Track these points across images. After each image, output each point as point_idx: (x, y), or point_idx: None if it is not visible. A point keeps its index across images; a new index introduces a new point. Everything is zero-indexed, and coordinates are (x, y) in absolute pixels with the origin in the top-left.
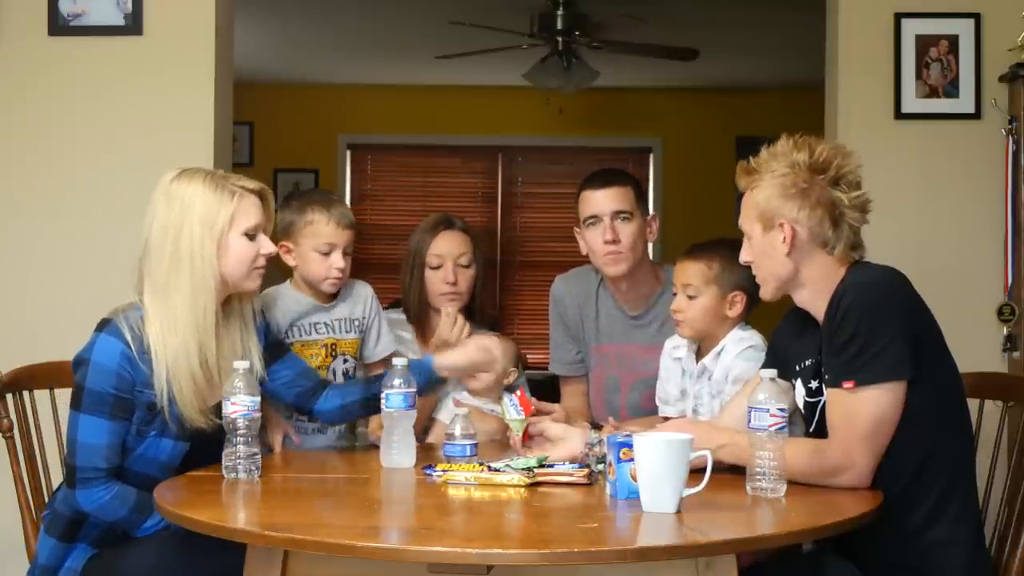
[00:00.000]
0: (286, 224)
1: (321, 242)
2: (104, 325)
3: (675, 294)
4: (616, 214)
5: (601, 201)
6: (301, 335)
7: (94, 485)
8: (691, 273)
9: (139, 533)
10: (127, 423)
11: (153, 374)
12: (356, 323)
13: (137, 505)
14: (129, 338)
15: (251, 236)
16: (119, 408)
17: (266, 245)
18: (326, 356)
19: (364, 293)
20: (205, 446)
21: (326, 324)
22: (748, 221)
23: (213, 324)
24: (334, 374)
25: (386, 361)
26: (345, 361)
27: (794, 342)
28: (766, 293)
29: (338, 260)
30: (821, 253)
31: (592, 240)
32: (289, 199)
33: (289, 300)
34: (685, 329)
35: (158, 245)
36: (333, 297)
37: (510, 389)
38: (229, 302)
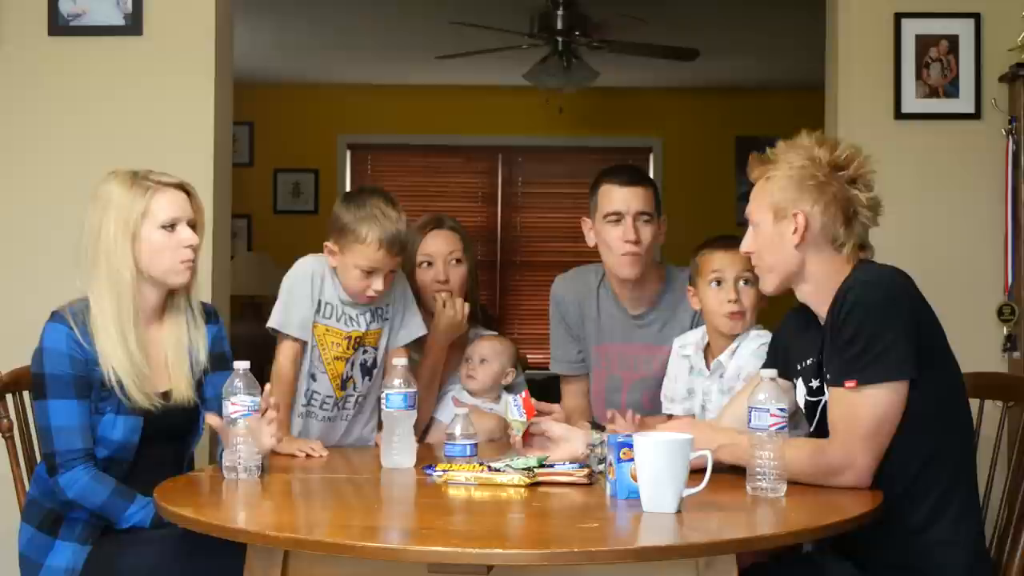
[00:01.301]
0: (338, 227)
1: (366, 264)
2: (51, 316)
3: (719, 283)
4: (640, 214)
5: (627, 199)
6: (329, 319)
7: (74, 466)
8: (747, 260)
9: (124, 523)
10: (89, 402)
11: (99, 355)
12: (381, 312)
13: (116, 488)
14: (72, 322)
15: (170, 229)
16: (81, 387)
17: (187, 237)
18: (347, 348)
19: (396, 280)
20: (161, 426)
21: (352, 317)
22: (759, 210)
23: (131, 317)
24: (351, 366)
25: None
26: (365, 352)
27: (795, 341)
28: (768, 286)
29: (378, 284)
30: (829, 249)
31: (611, 237)
32: (349, 200)
33: (329, 282)
34: (744, 320)
35: (84, 243)
36: None
37: (509, 389)
38: (173, 296)
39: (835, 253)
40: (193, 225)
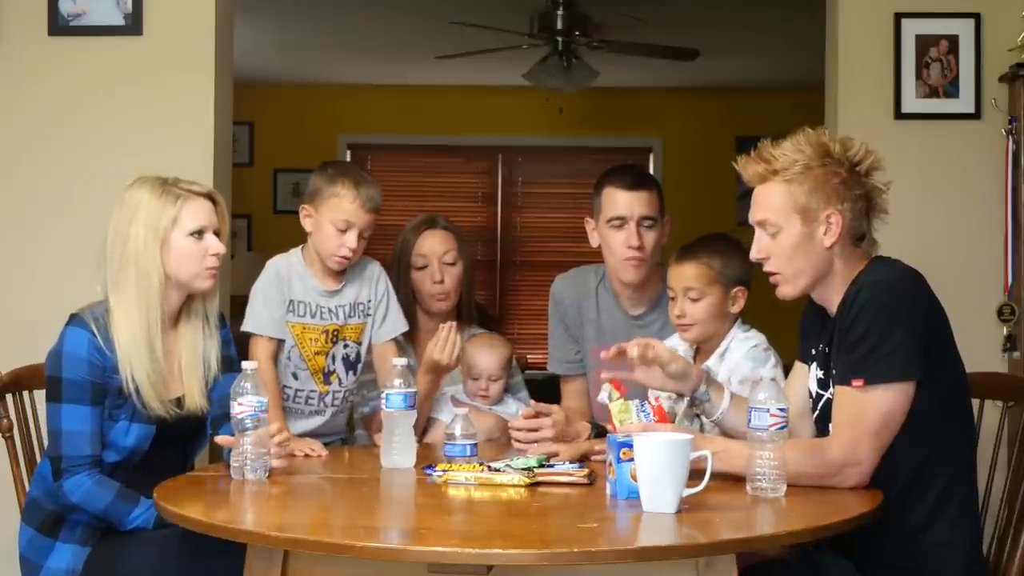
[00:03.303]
0: (313, 189)
1: (340, 218)
2: (71, 319)
3: (672, 299)
4: (643, 219)
5: (631, 203)
6: (304, 317)
7: (80, 472)
8: (691, 275)
9: (128, 524)
10: (103, 408)
11: (119, 362)
12: (362, 307)
13: (120, 492)
14: (94, 328)
15: (198, 236)
16: (96, 394)
17: (214, 245)
18: (326, 342)
19: (373, 274)
20: (171, 432)
21: (330, 310)
22: (780, 213)
23: (159, 322)
24: (333, 359)
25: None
26: (346, 347)
27: (815, 322)
28: (793, 290)
29: (351, 240)
30: (849, 246)
31: (613, 241)
32: (325, 166)
33: (297, 281)
34: (691, 333)
35: (111, 247)
36: (341, 276)
37: (507, 389)
38: (191, 302)
39: (854, 249)
40: (218, 233)
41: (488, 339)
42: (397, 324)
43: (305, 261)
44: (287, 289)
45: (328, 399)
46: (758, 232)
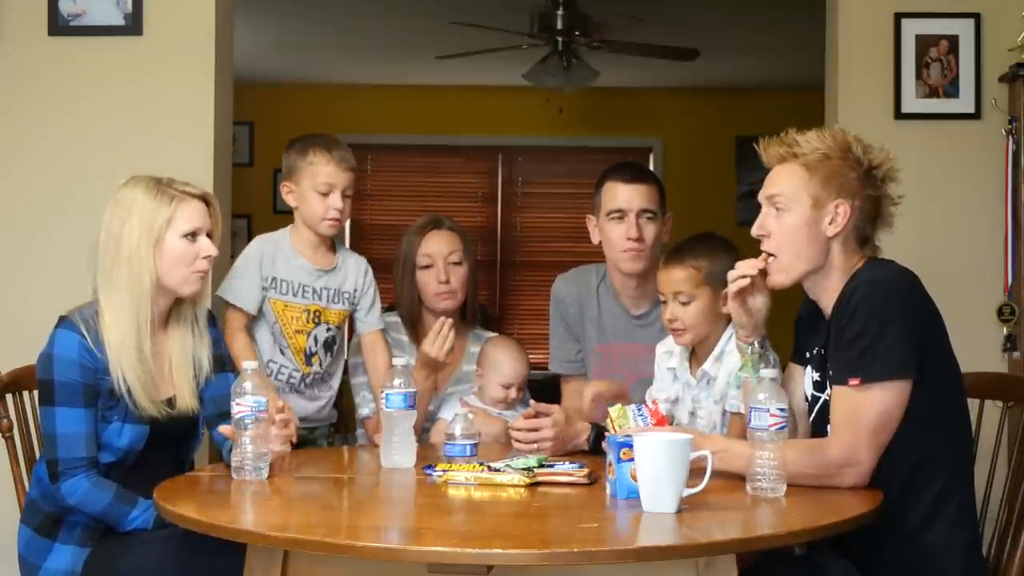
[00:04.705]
0: (288, 165)
1: (320, 182)
2: (60, 321)
3: (663, 303)
4: (642, 212)
5: (630, 196)
6: (285, 295)
7: (77, 474)
8: (679, 279)
9: (127, 526)
10: (96, 410)
11: (110, 363)
12: (346, 295)
13: (118, 493)
14: (84, 330)
15: (191, 238)
16: (89, 396)
17: (206, 247)
18: (307, 321)
19: (360, 267)
20: (164, 432)
21: (314, 290)
22: (794, 195)
23: (148, 323)
24: (315, 340)
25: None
26: (328, 330)
27: (809, 326)
28: (786, 278)
29: (336, 201)
30: (852, 244)
31: (613, 234)
32: (293, 142)
33: (281, 260)
34: (685, 337)
35: (104, 246)
36: (333, 255)
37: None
38: (180, 304)
39: (854, 249)
40: (211, 235)
41: (514, 345)
42: (372, 323)
43: (293, 240)
44: (269, 267)
45: (309, 379)
46: (765, 209)
